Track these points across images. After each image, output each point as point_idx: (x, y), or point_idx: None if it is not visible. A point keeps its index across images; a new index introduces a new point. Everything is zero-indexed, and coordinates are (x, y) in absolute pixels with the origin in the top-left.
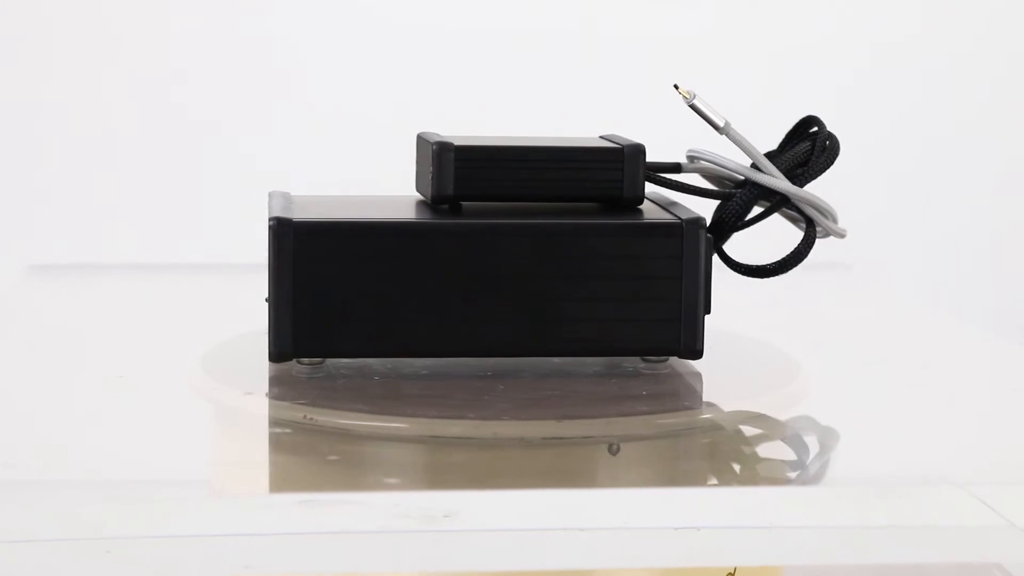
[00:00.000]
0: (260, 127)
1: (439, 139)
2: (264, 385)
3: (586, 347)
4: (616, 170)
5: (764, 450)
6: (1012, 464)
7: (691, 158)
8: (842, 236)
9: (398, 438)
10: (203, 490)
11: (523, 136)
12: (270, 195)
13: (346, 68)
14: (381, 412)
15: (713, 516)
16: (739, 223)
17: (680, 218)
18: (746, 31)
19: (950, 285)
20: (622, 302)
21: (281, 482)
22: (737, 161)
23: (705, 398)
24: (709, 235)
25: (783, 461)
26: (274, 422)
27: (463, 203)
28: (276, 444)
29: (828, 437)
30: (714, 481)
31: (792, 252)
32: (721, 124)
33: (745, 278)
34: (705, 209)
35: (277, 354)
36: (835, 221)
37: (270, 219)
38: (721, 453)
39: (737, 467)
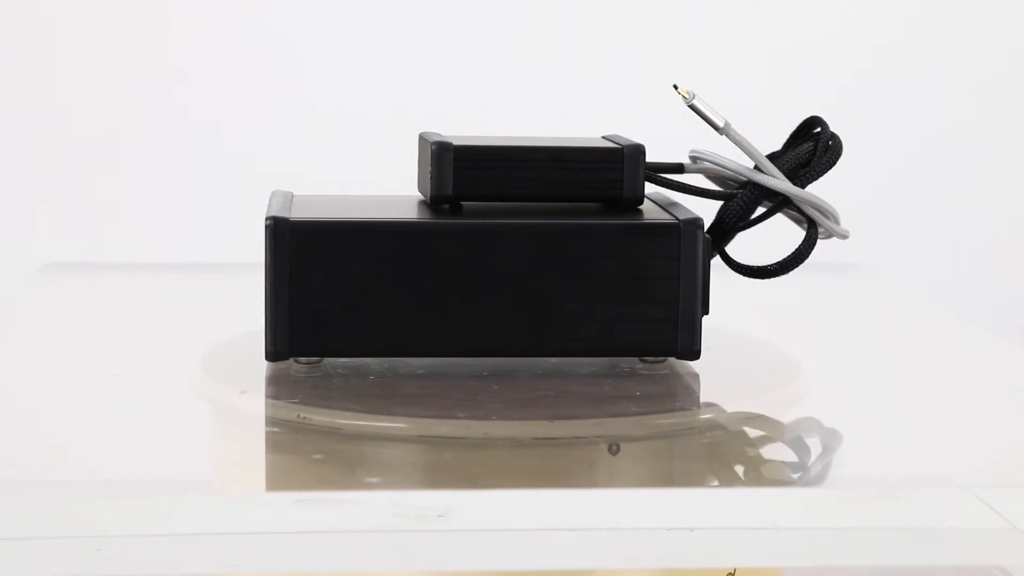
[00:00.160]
0: (260, 127)
1: (438, 139)
2: (260, 384)
3: (583, 347)
4: (616, 170)
5: (763, 450)
6: (1014, 465)
7: (693, 159)
8: (845, 237)
9: (389, 437)
10: (193, 489)
11: (523, 136)
12: (272, 195)
13: (347, 68)
14: (373, 412)
15: (709, 517)
16: (740, 224)
17: (678, 219)
18: (747, 30)
19: (950, 285)
20: (620, 302)
21: (271, 481)
22: (739, 162)
23: (704, 398)
24: (707, 236)
25: (783, 462)
26: (267, 421)
27: (463, 203)
28: (267, 443)
29: (828, 438)
30: (709, 481)
31: (793, 253)
32: (721, 124)
33: (746, 278)
34: (709, 210)
35: (273, 353)
36: (837, 222)
37: (267, 218)
38: (719, 453)
39: (734, 467)
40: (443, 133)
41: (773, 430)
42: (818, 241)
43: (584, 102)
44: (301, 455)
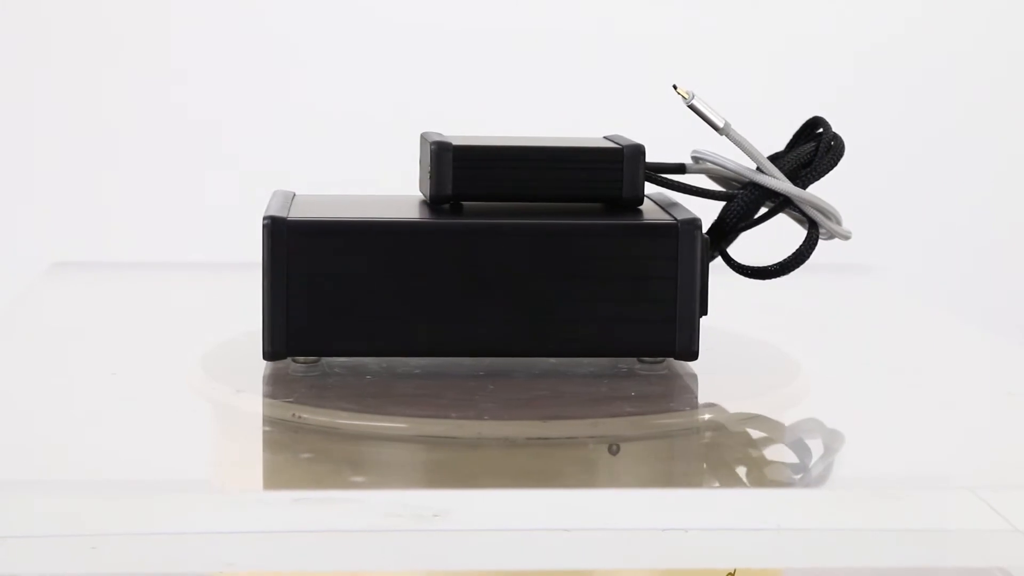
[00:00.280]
0: (263, 127)
1: (438, 139)
2: (257, 383)
3: (581, 348)
4: (616, 170)
5: (762, 451)
6: (1015, 466)
7: (695, 159)
8: (847, 238)
9: (382, 437)
10: (188, 488)
11: (523, 136)
12: (273, 194)
13: (348, 68)
14: (367, 411)
15: (705, 517)
16: (740, 224)
17: (676, 219)
18: (747, 30)
19: (950, 285)
20: (618, 303)
21: (258, 479)
22: (741, 162)
23: (704, 398)
24: (706, 236)
25: (782, 462)
26: (262, 420)
27: (463, 203)
28: (262, 442)
29: (828, 438)
30: (706, 482)
31: (794, 253)
32: (721, 124)
33: (747, 279)
34: (712, 211)
35: (271, 353)
36: (839, 223)
37: (264, 218)
38: (717, 453)
39: (732, 468)
40: (444, 133)
41: (772, 430)
42: (820, 242)
43: (586, 102)
44: (294, 454)
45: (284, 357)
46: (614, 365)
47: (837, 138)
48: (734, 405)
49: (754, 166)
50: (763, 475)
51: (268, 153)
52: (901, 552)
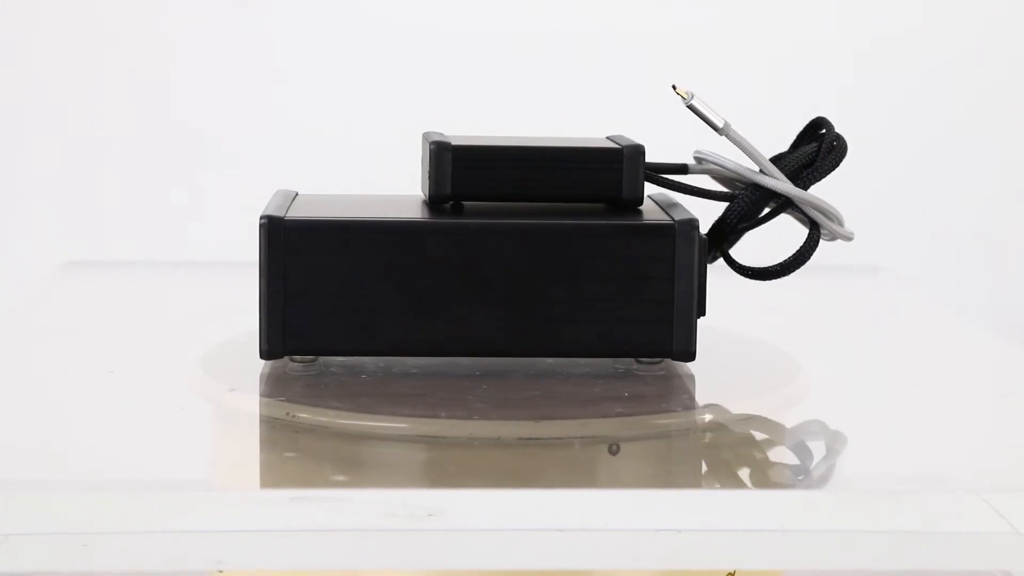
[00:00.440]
0: (263, 127)
1: (437, 139)
2: (254, 382)
3: (578, 348)
4: (615, 171)
5: (761, 451)
6: (1018, 469)
7: (698, 159)
8: (850, 239)
9: (372, 436)
10: (182, 487)
11: (523, 136)
12: (275, 194)
13: (350, 69)
14: (359, 410)
15: (701, 518)
16: (741, 225)
17: (673, 219)
18: (747, 30)
19: (950, 285)
20: (615, 303)
21: (256, 478)
22: (743, 163)
23: (702, 398)
24: (704, 237)
25: (781, 463)
26: (255, 418)
27: (463, 203)
28: (252, 440)
29: (828, 438)
30: (702, 482)
31: (795, 254)
32: (720, 125)
33: (747, 279)
34: (714, 211)
35: (268, 352)
36: (841, 224)
37: (261, 217)
38: (714, 453)
39: (730, 468)
40: (446, 133)
41: (772, 431)
42: (823, 243)
43: (589, 103)
44: (288, 453)
45: (281, 356)
46: (611, 366)
47: (840, 139)
48: (733, 405)
49: (756, 167)
50: (762, 476)
51: (270, 153)
52: (903, 554)
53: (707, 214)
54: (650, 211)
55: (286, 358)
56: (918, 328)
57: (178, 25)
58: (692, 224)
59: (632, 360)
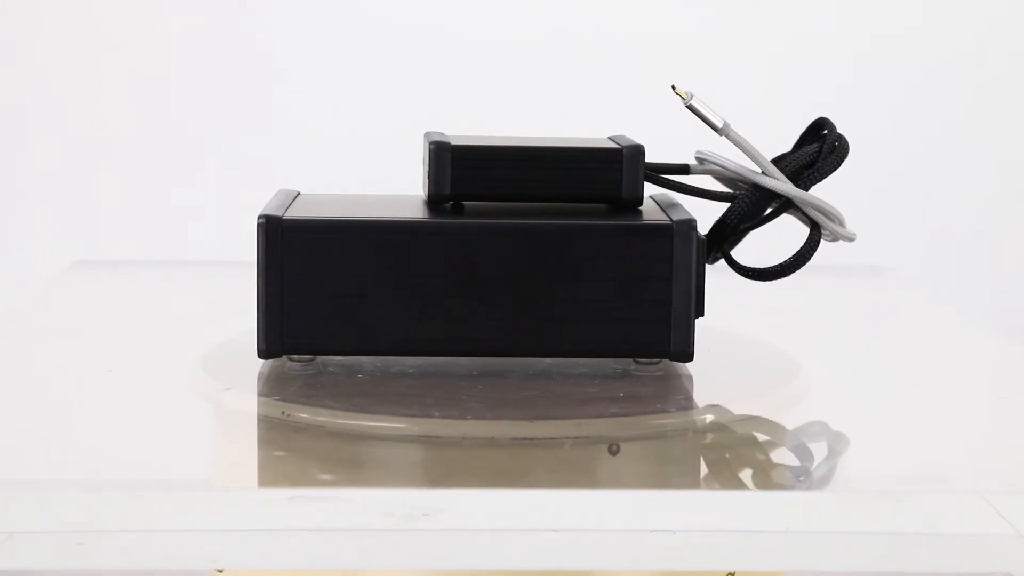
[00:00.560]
0: (263, 127)
1: (437, 139)
2: (251, 381)
3: (576, 348)
4: (615, 171)
5: (760, 452)
6: (1019, 471)
7: (700, 160)
8: (851, 240)
9: (367, 436)
10: (175, 486)
11: (523, 136)
12: (276, 193)
13: (351, 70)
14: (353, 410)
15: (697, 519)
16: (742, 226)
17: (671, 219)
18: (748, 29)
19: (950, 285)
20: (613, 303)
21: (250, 476)
22: (744, 163)
23: (701, 398)
24: (702, 237)
25: (781, 463)
26: (251, 417)
27: (461, 203)
28: (247, 439)
29: (828, 439)
30: (698, 482)
31: (795, 255)
32: (720, 125)
33: (748, 279)
34: (717, 212)
35: (265, 351)
36: (842, 225)
37: (259, 216)
38: (712, 454)
39: (726, 468)
40: (448, 133)
41: (772, 431)
42: (825, 244)
43: (590, 103)
44: (283, 452)
45: (279, 355)
46: (609, 366)
47: (841, 139)
48: (733, 405)
49: (757, 167)
50: (761, 476)
51: (270, 153)
52: (903, 556)
53: (711, 215)
54: (649, 211)
55: (284, 357)
56: (918, 328)
57: (178, 25)
58: (690, 224)
59: (630, 360)
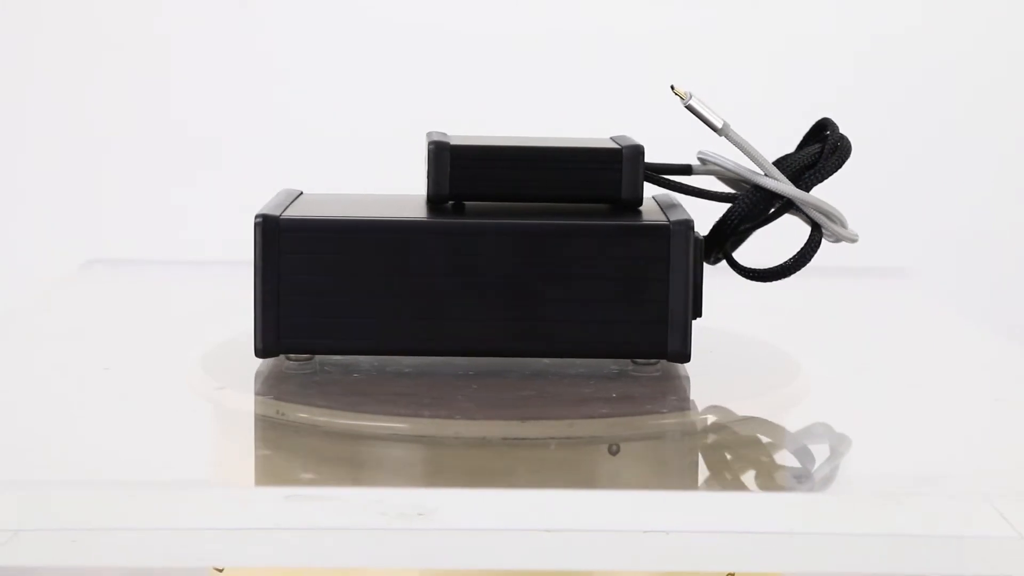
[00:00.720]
0: (263, 127)
1: (437, 138)
2: (248, 379)
3: (573, 349)
4: (615, 171)
5: (760, 452)
6: (1018, 470)
7: (702, 160)
8: (853, 241)
9: (359, 435)
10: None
11: (523, 136)
12: (277, 193)
13: (353, 70)
14: (347, 409)
15: (695, 519)
16: (743, 227)
17: (669, 220)
18: (748, 29)
19: (949, 285)
20: (610, 304)
21: (244, 475)
22: (745, 164)
23: (701, 399)
24: (700, 238)
25: (781, 464)
26: (245, 416)
27: (462, 203)
28: (243, 438)
29: (828, 439)
30: (693, 483)
31: (796, 256)
32: (719, 125)
33: (748, 280)
34: (719, 212)
35: (263, 351)
36: (844, 226)
37: (256, 216)
38: (712, 454)
39: (726, 469)
40: (449, 133)
41: (771, 431)
42: (826, 245)
43: (590, 103)
44: (278, 450)
45: (276, 355)
46: (606, 366)
47: (844, 140)
48: (733, 405)
49: (759, 168)
50: (761, 476)
51: (270, 153)
52: (903, 557)
53: (711, 216)
54: (649, 212)
55: (282, 356)
56: (918, 328)
57: (178, 25)
58: (687, 225)
59: (628, 361)
